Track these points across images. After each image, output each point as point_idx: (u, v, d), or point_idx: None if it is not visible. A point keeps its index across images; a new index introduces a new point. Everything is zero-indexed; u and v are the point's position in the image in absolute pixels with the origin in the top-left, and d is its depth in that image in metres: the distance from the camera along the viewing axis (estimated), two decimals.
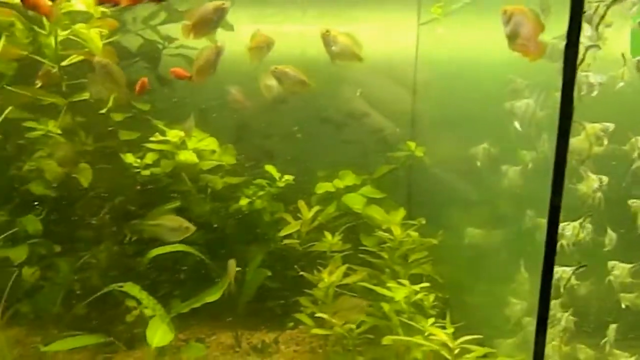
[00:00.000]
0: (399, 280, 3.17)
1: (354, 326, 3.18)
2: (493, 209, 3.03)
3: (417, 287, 3.03)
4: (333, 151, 4.40)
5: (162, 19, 3.77)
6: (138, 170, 3.64)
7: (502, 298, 2.74)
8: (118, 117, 3.63)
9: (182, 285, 3.82)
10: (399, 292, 2.96)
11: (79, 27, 2.85)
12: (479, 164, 2.88)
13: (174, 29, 4.08)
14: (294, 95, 4.21)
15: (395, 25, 4.59)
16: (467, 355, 2.43)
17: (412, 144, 4.02)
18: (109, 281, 3.60)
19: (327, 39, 2.77)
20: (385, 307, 3.21)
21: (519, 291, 2.54)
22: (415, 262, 3.46)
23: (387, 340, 2.90)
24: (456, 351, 2.42)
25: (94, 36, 2.82)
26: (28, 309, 3.62)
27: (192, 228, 3.11)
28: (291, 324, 3.73)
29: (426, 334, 2.80)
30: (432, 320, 2.83)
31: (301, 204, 3.89)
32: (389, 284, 3.11)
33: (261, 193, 3.81)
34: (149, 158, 3.67)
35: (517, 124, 2.45)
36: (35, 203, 3.45)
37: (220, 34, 3.25)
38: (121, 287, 3.10)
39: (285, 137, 4.41)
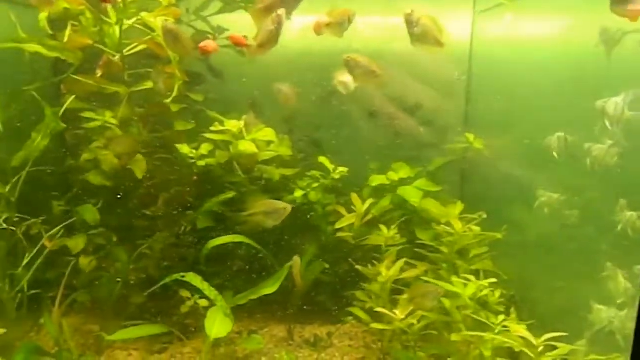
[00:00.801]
0: (464, 275, 3.06)
1: (414, 321, 3.10)
2: (567, 202, 2.90)
3: (485, 283, 2.92)
4: (384, 143, 4.33)
5: (217, 9, 3.72)
6: (193, 160, 3.63)
7: (579, 295, 2.62)
8: (174, 107, 3.61)
9: (236, 276, 3.81)
10: (468, 288, 2.85)
11: (146, 15, 2.83)
12: (555, 154, 2.74)
13: (224, 20, 4.07)
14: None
15: (448, 13, 4.46)
16: (550, 354, 2.32)
17: (471, 136, 3.89)
18: (164, 271, 3.63)
19: (410, 20, 2.61)
20: (447, 303, 3.13)
21: (600, 287, 2.42)
22: (476, 258, 3.35)
23: (456, 337, 2.81)
24: (540, 349, 2.31)
25: (160, 25, 2.80)
26: (86, 298, 3.66)
27: (289, 208, 3.03)
28: (350, 318, 3.64)
29: (496, 331, 2.70)
30: (502, 317, 2.72)
31: (354, 196, 3.82)
32: (453, 279, 3.01)
33: (315, 185, 3.74)
34: (204, 149, 3.65)
35: (607, 123, 2.32)
36: (119, 196, 3.45)
37: None
38: (183, 277, 3.07)
39: (335, 128, 4.35)
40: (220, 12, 3.69)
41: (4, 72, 2.85)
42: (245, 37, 3.07)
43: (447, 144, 4.19)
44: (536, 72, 3.62)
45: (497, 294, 3.02)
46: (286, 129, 4.13)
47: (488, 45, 4.33)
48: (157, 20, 2.80)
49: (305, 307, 3.85)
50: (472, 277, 3.01)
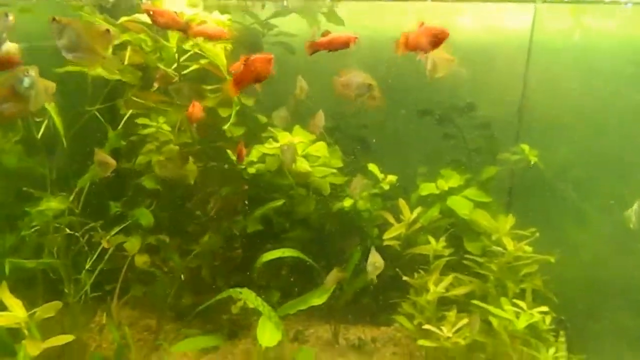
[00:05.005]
0: (516, 301, 3.06)
1: (461, 340, 3.14)
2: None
3: (536, 312, 2.92)
4: (433, 146, 4.25)
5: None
6: (244, 167, 3.67)
7: None
8: (225, 112, 3.61)
9: (283, 278, 3.92)
10: (520, 320, 2.86)
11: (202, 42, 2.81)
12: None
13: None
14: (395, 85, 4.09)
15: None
16: None
17: (526, 147, 3.77)
18: (215, 272, 3.77)
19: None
20: (494, 322, 3.15)
21: None
22: (527, 277, 3.33)
23: None
24: None
25: (218, 52, 2.78)
26: (140, 293, 3.83)
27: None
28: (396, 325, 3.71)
29: None
30: (552, 350, 2.73)
31: (402, 203, 3.80)
32: (504, 305, 3.02)
33: (364, 194, 3.74)
34: (254, 155, 3.68)
35: None
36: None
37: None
38: (240, 292, 3.18)
39: (382, 129, 4.30)
40: (273, 16, 3.61)
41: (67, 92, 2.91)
42: None
43: (499, 148, 4.09)
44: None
45: (548, 319, 3.01)
46: (331, 128, 4.10)
47: (547, 37, 4.08)
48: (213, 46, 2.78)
49: (349, 309, 3.95)
50: (523, 304, 3.01)
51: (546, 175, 3.89)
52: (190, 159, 3.56)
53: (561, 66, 3.96)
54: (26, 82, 1.84)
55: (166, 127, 3.57)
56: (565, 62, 3.94)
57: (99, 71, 2.74)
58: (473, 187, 3.86)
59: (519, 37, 4.16)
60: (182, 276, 3.53)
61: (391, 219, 3.81)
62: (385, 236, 3.67)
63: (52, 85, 2.00)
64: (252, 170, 3.66)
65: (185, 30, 2.59)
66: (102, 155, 2.68)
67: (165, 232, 3.75)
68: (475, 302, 3.14)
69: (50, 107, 2.93)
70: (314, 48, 2.45)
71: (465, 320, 3.12)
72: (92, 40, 1.84)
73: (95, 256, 3.39)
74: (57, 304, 2.78)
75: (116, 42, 2.55)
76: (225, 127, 3.08)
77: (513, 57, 4.19)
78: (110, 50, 2.04)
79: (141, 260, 3.73)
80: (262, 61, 2.21)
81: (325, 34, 2.47)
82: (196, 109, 2.80)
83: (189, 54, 3.03)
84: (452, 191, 3.86)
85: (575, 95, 3.88)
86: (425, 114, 4.26)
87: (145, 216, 3.64)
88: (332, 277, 3.41)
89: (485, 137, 4.09)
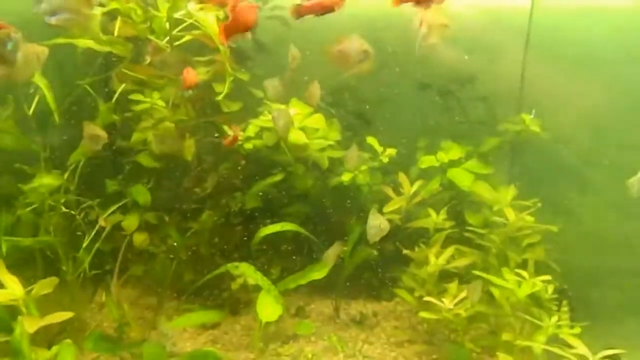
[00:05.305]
0: (517, 270, 3.02)
1: (462, 311, 3.11)
2: None
3: (537, 280, 2.88)
4: (433, 119, 4.19)
5: None
6: (241, 142, 3.62)
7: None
8: (219, 88, 3.55)
9: (283, 253, 3.89)
10: (522, 288, 2.82)
11: (194, 9, 2.74)
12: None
13: None
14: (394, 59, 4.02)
15: None
16: None
17: (527, 117, 3.70)
18: (214, 250, 3.74)
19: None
20: (496, 292, 3.12)
21: None
22: (528, 247, 3.29)
23: (507, 336, 2.82)
24: None
25: (211, 21, 2.71)
26: (140, 272, 3.81)
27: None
28: (398, 298, 3.69)
29: (548, 330, 2.70)
30: (555, 318, 2.70)
31: (402, 177, 3.75)
32: (506, 275, 2.98)
33: (363, 168, 3.68)
34: (251, 131, 3.62)
35: None
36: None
37: None
38: (237, 267, 3.15)
39: (382, 103, 4.23)
40: None
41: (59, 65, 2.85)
42: None
43: (499, 120, 4.02)
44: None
45: (550, 289, 2.98)
46: (331, 102, 4.03)
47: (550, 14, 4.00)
48: (206, 14, 2.70)
49: (350, 284, 3.92)
50: (525, 274, 2.97)
51: (548, 145, 3.83)
52: (187, 135, 3.52)
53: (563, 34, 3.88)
54: (10, 45, 1.77)
55: (161, 103, 3.50)
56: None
57: (90, 43, 2.67)
58: (474, 159, 3.80)
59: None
60: (175, 244, 3.46)
61: (392, 194, 3.77)
62: (385, 209, 3.63)
63: (42, 50, 1.94)
64: (249, 145, 3.60)
65: None
66: (92, 127, 2.63)
67: (163, 209, 3.73)
68: (476, 272, 3.10)
69: (42, 83, 2.87)
70: (300, 12, 2.39)
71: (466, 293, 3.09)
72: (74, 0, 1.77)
73: (92, 234, 3.37)
74: (53, 280, 2.75)
75: (104, 9, 2.49)
76: (220, 97, 3.00)
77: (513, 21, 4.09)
78: (98, 13, 1.96)
79: (140, 239, 3.71)
80: (247, 9, 2.20)
81: None
82: (190, 74, 2.75)
83: (183, 25, 2.95)
84: (453, 164, 3.80)
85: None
86: (425, 87, 4.20)
87: (142, 194, 3.61)
88: (333, 251, 3.38)
89: (487, 109, 4.03)
